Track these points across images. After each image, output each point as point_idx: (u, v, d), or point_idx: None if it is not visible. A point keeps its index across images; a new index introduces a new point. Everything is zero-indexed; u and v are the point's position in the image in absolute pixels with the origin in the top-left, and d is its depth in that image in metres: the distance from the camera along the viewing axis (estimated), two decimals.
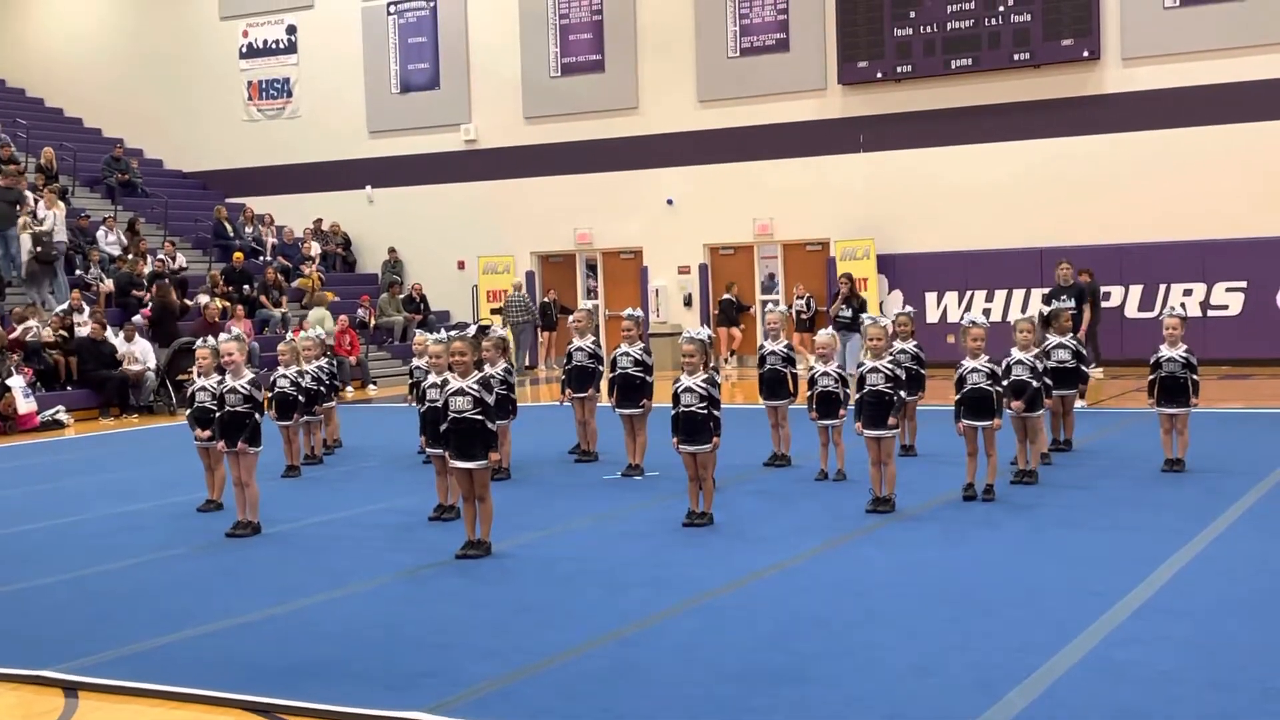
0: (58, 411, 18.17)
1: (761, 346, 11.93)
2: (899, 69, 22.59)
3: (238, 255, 24.50)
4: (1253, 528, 8.60)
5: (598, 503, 10.33)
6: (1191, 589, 6.98)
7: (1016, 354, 10.32)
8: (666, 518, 9.37)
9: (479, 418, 8.10)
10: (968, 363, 9.72)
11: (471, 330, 8.93)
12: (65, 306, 20.27)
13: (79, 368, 19.16)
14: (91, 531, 9.96)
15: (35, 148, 26.18)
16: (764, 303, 23.41)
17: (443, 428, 8.28)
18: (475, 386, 8.14)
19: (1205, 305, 20.57)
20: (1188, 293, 20.65)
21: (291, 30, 28.12)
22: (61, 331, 19.57)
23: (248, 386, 9.39)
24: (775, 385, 11.56)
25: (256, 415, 9.35)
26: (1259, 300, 20.34)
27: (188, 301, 22.57)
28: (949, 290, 22.32)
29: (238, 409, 9.32)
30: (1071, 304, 14.39)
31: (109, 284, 21.89)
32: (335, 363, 15.05)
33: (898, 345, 11.39)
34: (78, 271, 22.33)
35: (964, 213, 22.27)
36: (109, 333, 19.77)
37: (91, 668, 6.18)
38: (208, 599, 7.53)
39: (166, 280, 21.77)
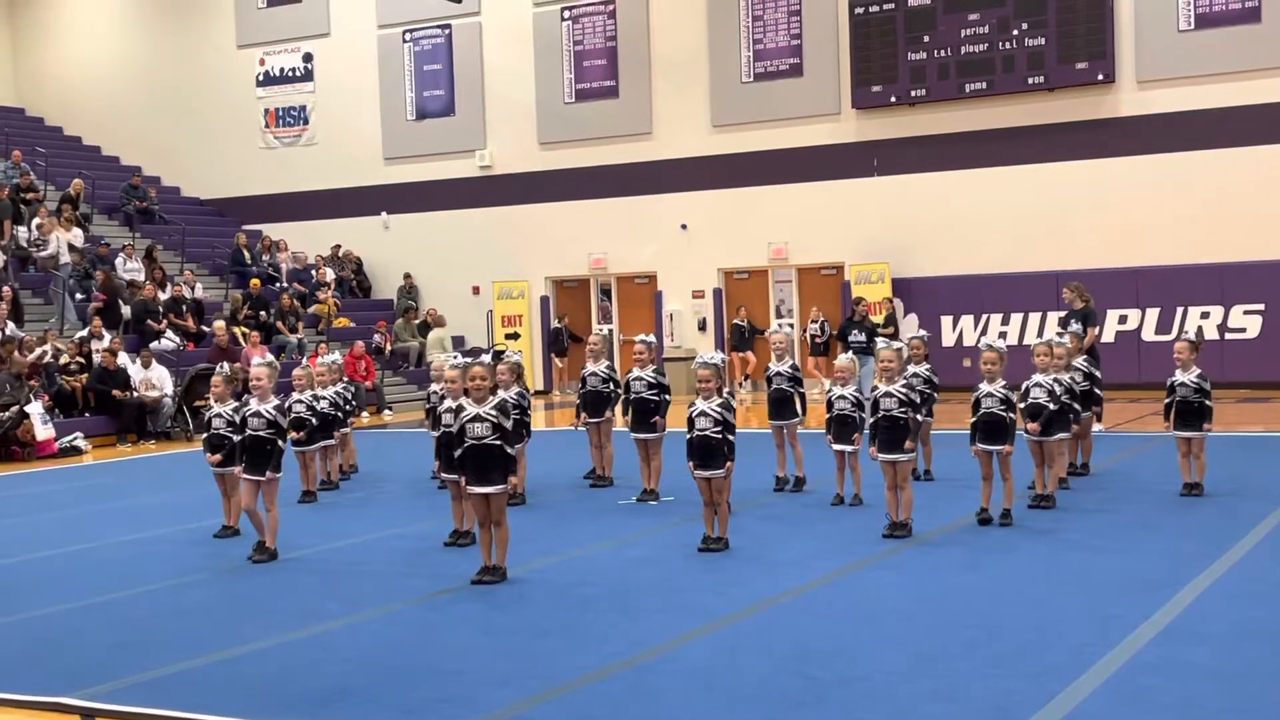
0: (76, 438, 18.24)
1: (768, 368, 11.94)
2: (913, 93, 22.62)
3: (254, 282, 24.62)
4: (1272, 552, 8.55)
5: (613, 527, 10.31)
6: (1212, 614, 6.93)
7: (1035, 377, 10.31)
8: (682, 542, 9.36)
9: (497, 443, 8.12)
10: (984, 386, 9.73)
11: (487, 357, 8.95)
12: (85, 333, 20.38)
13: (95, 394, 19.23)
14: (109, 558, 9.98)
15: (54, 175, 26.40)
16: (778, 325, 23.37)
17: (457, 453, 8.29)
18: (493, 413, 8.14)
19: (1223, 328, 20.50)
20: (1205, 315, 20.58)
21: (308, 58, 28.32)
22: (78, 358, 19.67)
23: (272, 412, 9.42)
24: (781, 405, 11.56)
25: (279, 441, 9.38)
26: (1277, 322, 20.25)
27: (204, 328, 22.69)
28: (965, 314, 22.30)
29: (260, 433, 9.34)
30: (1078, 327, 14.35)
31: (126, 311, 22.01)
32: (352, 388, 15.09)
33: (911, 369, 11.37)
34: (84, 296, 22.46)
35: (979, 236, 22.25)
36: (124, 359, 19.85)
37: (109, 694, 6.19)
38: (224, 625, 7.54)
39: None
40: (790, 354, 12.04)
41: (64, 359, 19.46)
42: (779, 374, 11.61)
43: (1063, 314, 16.61)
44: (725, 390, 9.23)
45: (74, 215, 23.99)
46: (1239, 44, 20.58)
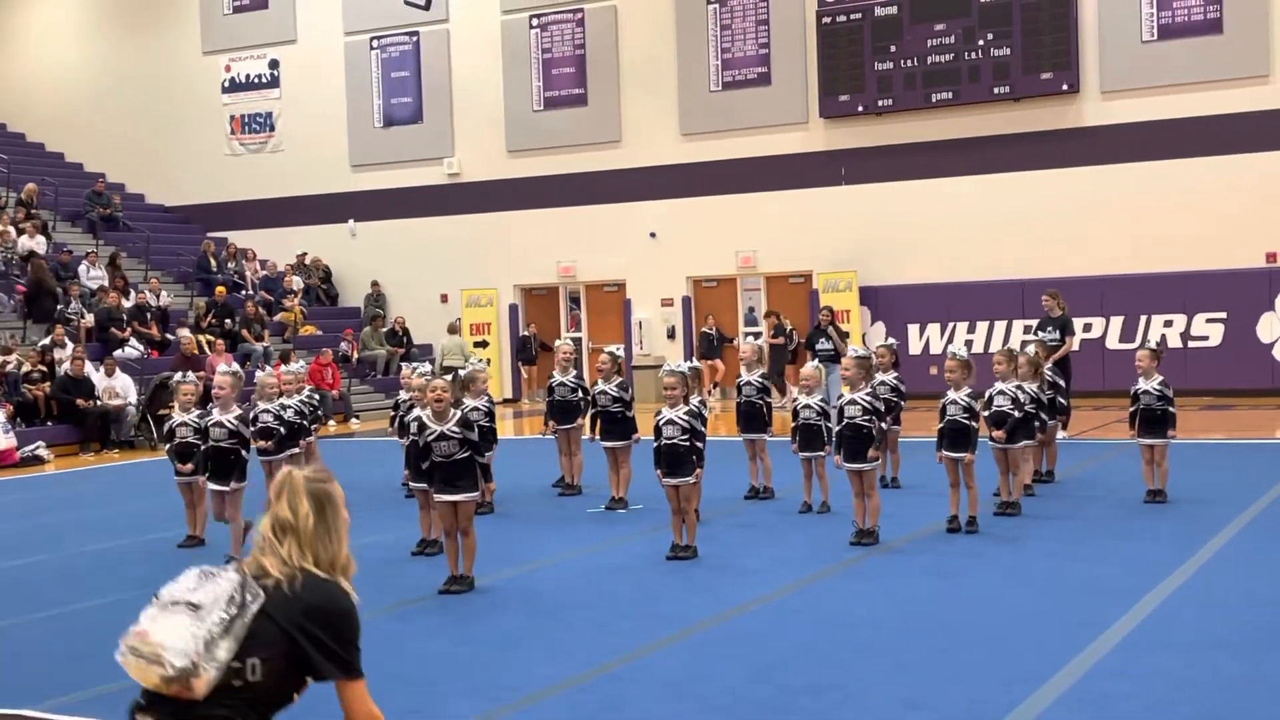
0: (38, 447, 18.04)
1: (738, 377, 11.96)
2: (880, 102, 22.74)
3: (220, 289, 24.45)
4: (1235, 559, 8.63)
5: (582, 536, 10.30)
6: (1176, 621, 6.99)
7: (998, 385, 10.37)
8: (651, 551, 9.35)
9: (466, 455, 8.12)
10: (949, 394, 9.80)
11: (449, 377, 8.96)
12: (48, 341, 20.18)
13: (58, 403, 19.03)
14: (71, 568, 9.87)
15: (17, 182, 26.12)
16: (746, 335, 23.43)
17: (424, 465, 8.27)
18: (456, 429, 8.13)
19: (1186, 336, 20.68)
20: (1168, 324, 20.76)
21: (274, 65, 28.17)
22: (41, 366, 19.47)
23: (234, 422, 9.36)
24: (750, 418, 11.58)
25: (242, 451, 9.32)
26: (1239, 331, 20.46)
27: (169, 336, 22.51)
28: (931, 322, 22.41)
29: (222, 444, 9.28)
30: (1056, 335, 14.47)
31: (89, 319, 21.81)
32: (318, 396, 15.00)
33: (878, 377, 11.41)
34: (58, 306, 22.24)
35: (945, 245, 22.37)
36: (87, 367, 19.65)
37: (70, 706, 6.12)
38: None
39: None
40: (760, 365, 12.04)
41: (25, 368, 19.25)
42: (749, 384, 11.64)
43: (1034, 322, 16.70)
44: (696, 399, 9.23)
45: (30, 218, 23.70)
46: (1201, 55, 20.79)
